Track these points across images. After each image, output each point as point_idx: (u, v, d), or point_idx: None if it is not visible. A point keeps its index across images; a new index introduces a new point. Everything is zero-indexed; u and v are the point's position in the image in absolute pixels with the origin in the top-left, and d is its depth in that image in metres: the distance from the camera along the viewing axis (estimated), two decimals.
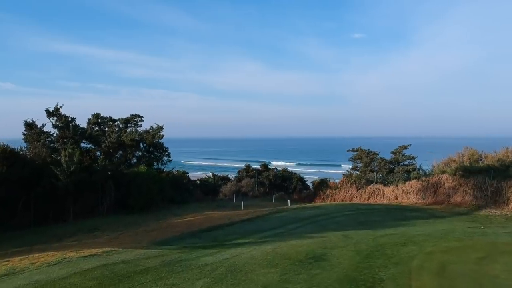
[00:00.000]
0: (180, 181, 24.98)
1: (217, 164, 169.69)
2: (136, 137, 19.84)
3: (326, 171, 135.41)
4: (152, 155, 22.27)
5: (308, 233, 13.55)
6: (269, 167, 34.37)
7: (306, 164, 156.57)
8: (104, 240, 14.78)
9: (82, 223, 18.07)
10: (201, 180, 32.71)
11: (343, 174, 26.45)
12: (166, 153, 24.05)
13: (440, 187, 19.62)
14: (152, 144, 22.18)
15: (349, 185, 22.47)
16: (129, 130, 24.30)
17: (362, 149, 26.39)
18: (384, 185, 21.80)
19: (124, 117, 24.35)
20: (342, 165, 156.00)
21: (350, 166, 27.67)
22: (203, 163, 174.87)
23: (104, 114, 24.40)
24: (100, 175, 18.80)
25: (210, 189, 31.05)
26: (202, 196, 29.02)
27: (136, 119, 24.15)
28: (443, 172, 20.40)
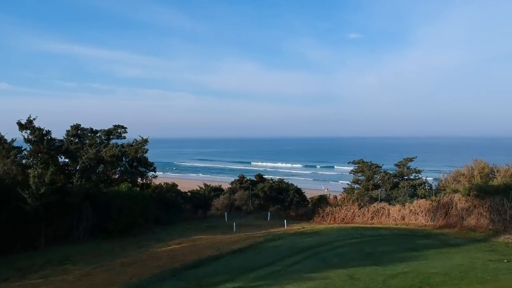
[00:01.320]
0: (167, 198, 23.05)
1: (212, 165, 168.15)
2: (116, 153, 17.96)
3: (321, 172, 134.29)
4: (135, 171, 20.38)
5: (307, 271, 11.71)
6: (264, 177, 32.53)
7: (301, 166, 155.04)
8: (74, 277, 12.87)
9: (54, 251, 16.14)
10: (192, 192, 30.78)
11: (344, 188, 24.67)
12: (152, 167, 22.16)
13: (452, 208, 17.86)
14: (136, 159, 20.29)
15: (350, 202, 20.67)
16: (112, 142, 22.43)
17: (364, 162, 24.60)
18: (389, 204, 20.00)
19: (106, 129, 22.48)
20: (335, 166, 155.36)
21: (350, 169, 26.01)
22: (198, 165, 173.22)
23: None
24: (76, 196, 16.88)
25: (201, 202, 29.12)
26: (193, 210, 27.16)
27: (119, 130, 22.26)
28: (455, 191, 18.62)
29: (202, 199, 29.63)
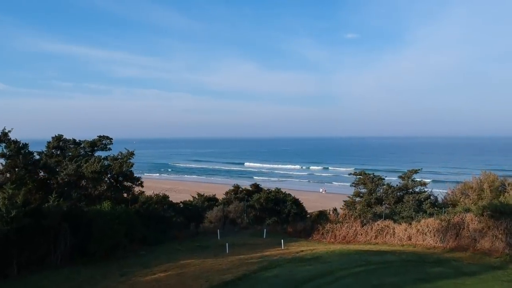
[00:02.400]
0: (156, 213, 21.54)
1: (208, 166, 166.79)
2: (98, 169, 16.48)
3: (318, 174, 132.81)
4: (120, 186, 18.88)
5: None
6: (260, 186, 31.11)
7: (298, 167, 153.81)
8: None
9: (27, 280, 14.62)
10: (184, 203, 29.29)
11: (344, 201, 23.26)
12: (138, 182, 20.66)
13: (464, 229, 16.47)
14: (121, 174, 18.80)
15: (352, 219, 19.25)
16: (97, 153, 20.95)
17: (365, 173, 23.19)
18: (394, 221, 18.58)
19: (91, 140, 20.99)
20: (332, 168, 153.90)
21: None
22: (194, 166, 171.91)
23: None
24: (52, 218, 15.36)
25: (194, 214, 27.69)
26: (185, 224, 25.70)
27: (104, 142, 20.78)
28: (467, 210, 17.22)
29: (195, 211, 28.18)
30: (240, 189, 29.75)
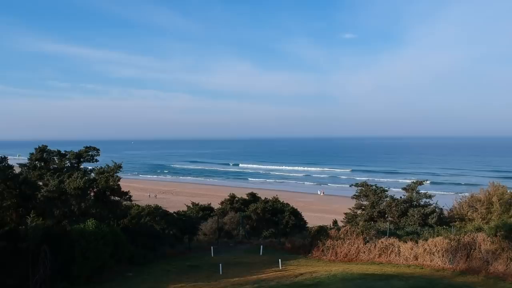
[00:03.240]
0: (146, 228, 20.31)
1: (205, 167, 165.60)
2: (81, 185, 15.27)
3: (315, 175, 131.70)
4: (106, 201, 17.65)
5: None
6: (257, 195, 29.95)
7: (295, 168, 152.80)
8: None
9: None
10: (178, 213, 28.08)
11: (345, 214, 22.12)
12: (127, 196, 19.45)
13: (475, 249, 15.37)
14: (107, 188, 17.59)
15: (354, 235, 18.11)
16: (83, 165, 19.75)
17: (368, 185, 22.05)
18: (399, 238, 17.45)
19: (77, 151, 19.79)
20: (327, 169, 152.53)
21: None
22: (191, 167, 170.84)
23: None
24: (31, 240, 14.15)
25: (188, 225, 26.50)
26: (178, 236, 24.49)
27: (90, 153, 19.59)
28: (479, 229, 16.11)
29: (189, 222, 26.98)
30: (236, 198, 28.58)
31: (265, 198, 29.02)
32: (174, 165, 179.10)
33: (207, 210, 29.55)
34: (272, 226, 26.13)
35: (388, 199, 20.80)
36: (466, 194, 20.65)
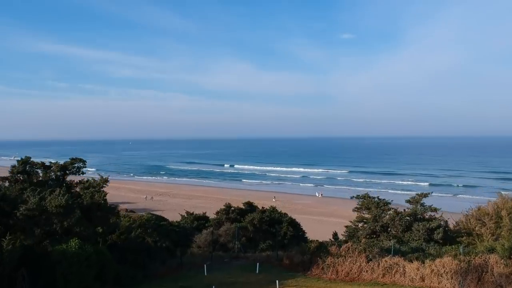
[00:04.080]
0: (135, 243, 19.22)
1: (202, 169, 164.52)
2: (63, 203, 14.16)
3: (313, 177, 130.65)
4: (91, 218, 16.52)
5: None
6: (254, 205, 28.89)
7: (293, 169, 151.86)
8: None
9: None
10: (172, 224, 27.05)
11: (346, 227, 21.09)
12: (115, 211, 18.34)
13: (487, 272, 14.36)
14: (93, 204, 16.47)
15: (356, 253, 17.07)
16: (68, 178, 18.63)
17: (369, 197, 21.02)
18: (404, 257, 16.41)
19: (62, 162, 18.70)
20: (325, 170, 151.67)
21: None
22: (188, 168, 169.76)
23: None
24: (7, 264, 13.04)
25: (181, 238, 25.44)
26: (170, 250, 23.42)
27: (76, 165, 18.48)
28: (491, 250, 15.09)
29: (183, 233, 25.95)
30: (232, 208, 27.50)
31: (262, 207, 28.01)
32: (171, 166, 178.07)
33: (202, 220, 28.53)
34: (270, 238, 25.09)
35: (391, 212, 19.80)
36: (473, 207, 19.66)
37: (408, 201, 20.74)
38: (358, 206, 21.20)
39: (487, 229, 17.89)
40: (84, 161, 18.87)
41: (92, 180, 17.66)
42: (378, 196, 21.02)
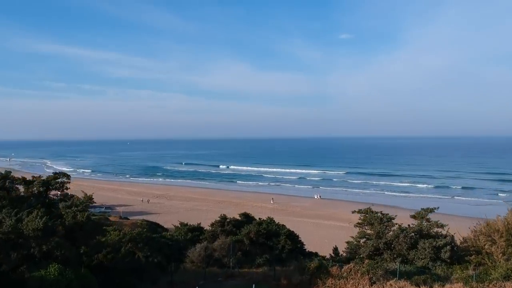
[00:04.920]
0: (124, 262, 18.04)
1: (198, 170, 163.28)
2: (40, 226, 12.97)
3: (309, 178, 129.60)
4: (73, 240, 15.34)
5: None
6: (250, 216, 27.78)
7: (290, 170, 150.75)
8: None
9: None
10: (164, 237, 25.85)
11: (347, 243, 19.99)
12: (102, 228, 17.19)
13: None
14: (76, 225, 15.31)
15: (359, 275, 15.97)
16: (51, 193, 17.48)
17: (372, 212, 19.91)
18: (411, 281, 15.30)
19: (44, 177, 17.52)
20: (323, 171, 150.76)
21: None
22: (185, 169, 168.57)
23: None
24: None
25: (174, 252, 24.26)
26: (162, 266, 22.24)
27: (59, 180, 17.33)
28: (507, 277, 14.01)
29: (176, 247, 24.76)
30: (228, 219, 26.37)
31: (259, 218, 26.89)
32: (169, 167, 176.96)
33: (196, 231, 27.37)
34: (267, 252, 23.98)
35: (395, 228, 18.72)
36: (481, 222, 18.59)
37: (413, 216, 19.65)
38: (360, 221, 20.10)
39: (498, 247, 16.83)
40: (68, 176, 17.72)
41: (75, 198, 16.53)
42: (381, 211, 19.93)
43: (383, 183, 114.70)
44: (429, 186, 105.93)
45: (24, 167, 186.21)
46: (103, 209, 74.26)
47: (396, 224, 19.13)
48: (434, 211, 19.26)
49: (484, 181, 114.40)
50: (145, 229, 25.05)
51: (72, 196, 17.21)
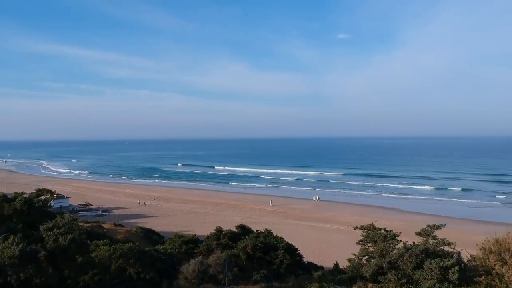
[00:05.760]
0: (111, 285, 16.98)
1: (195, 171, 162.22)
2: (16, 254, 11.82)
3: (306, 180, 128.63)
4: (55, 266, 14.24)
5: None
6: (247, 227, 26.76)
7: (287, 171, 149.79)
8: None
9: None
10: (157, 251, 24.81)
11: (349, 260, 18.96)
12: (88, 248, 16.09)
13: None
14: (58, 249, 14.20)
15: None
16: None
17: (375, 228, 18.89)
18: None
19: (27, 195, 16.46)
20: (317, 172, 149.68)
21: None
22: (183, 170, 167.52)
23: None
24: None
25: (168, 267, 23.27)
26: (153, 283, 21.20)
27: (43, 197, 16.25)
28: None
29: (169, 261, 23.77)
30: (224, 232, 25.34)
31: (257, 230, 25.85)
32: (166, 168, 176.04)
33: (191, 243, 26.31)
34: (264, 267, 22.96)
35: (400, 246, 17.77)
36: (489, 238, 17.57)
37: (418, 234, 18.65)
38: (362, 238, 19.13)
39: (509, 268, 15.82)
40: (52, 192, 16.71)
41: (58, 219, 15.43)
42: (385, 228, 18.96)
43: (381, 184, 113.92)
44: (428, 187, 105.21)
45: (20, 168, 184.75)
46: (99, 212, 73.21)
47: (401, 241, 18.15)
48: (441, 228, 18.27)
49: (482, 182, 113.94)
50: (137, 243, 23.94)
51: (56, 215, 16.13)
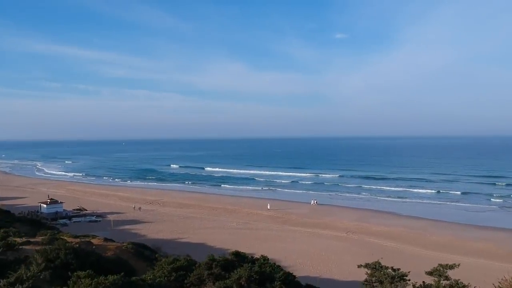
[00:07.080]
0: None
1: (193, 172, 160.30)
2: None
3: (302, 182, 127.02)
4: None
5: None
6: (241, 254, 24.98)
7: (284, 173, 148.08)
8: None
9: None
10: (145, 280, 23.00)
11: None
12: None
13: None
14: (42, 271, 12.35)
15: None
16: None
17: (381, 267, 17.19)
18: None
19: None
20: (313, 174, 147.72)
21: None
22: (180, 172, 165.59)
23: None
24: None
25: None
26: None
27: (10, 240, 14.41)
28: None
29: None
30: (216, 261, 23.50)
31: (252, 256, 24.12)
32: (162, 170, 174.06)
33: (181, 271, 24.47)
34: None
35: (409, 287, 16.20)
36: (506, 278, 15.99)
37: (429, 273, 16.99)
38: (367, 278, 17.43)
39: None
40: (21, 235, 14.84)
41: (22, 271, 13.55)
42: (392, 266, 17.31)
43: (378, 187, 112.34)
44: (426, 191, 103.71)
45: (14, 169, 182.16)
46: (93, 218, 71.46)
47: (409, 280, 16.50)
48: (454, 268, 16.62)
49: (481, 185, 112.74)
50: (122, 274, 22.20)
51: (21, 264, 14.26)
